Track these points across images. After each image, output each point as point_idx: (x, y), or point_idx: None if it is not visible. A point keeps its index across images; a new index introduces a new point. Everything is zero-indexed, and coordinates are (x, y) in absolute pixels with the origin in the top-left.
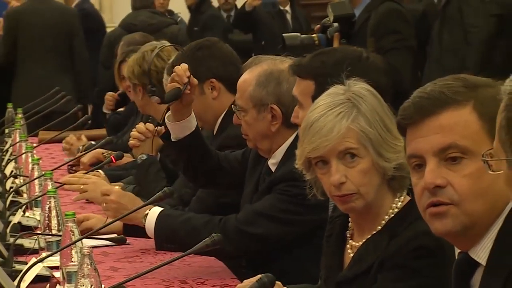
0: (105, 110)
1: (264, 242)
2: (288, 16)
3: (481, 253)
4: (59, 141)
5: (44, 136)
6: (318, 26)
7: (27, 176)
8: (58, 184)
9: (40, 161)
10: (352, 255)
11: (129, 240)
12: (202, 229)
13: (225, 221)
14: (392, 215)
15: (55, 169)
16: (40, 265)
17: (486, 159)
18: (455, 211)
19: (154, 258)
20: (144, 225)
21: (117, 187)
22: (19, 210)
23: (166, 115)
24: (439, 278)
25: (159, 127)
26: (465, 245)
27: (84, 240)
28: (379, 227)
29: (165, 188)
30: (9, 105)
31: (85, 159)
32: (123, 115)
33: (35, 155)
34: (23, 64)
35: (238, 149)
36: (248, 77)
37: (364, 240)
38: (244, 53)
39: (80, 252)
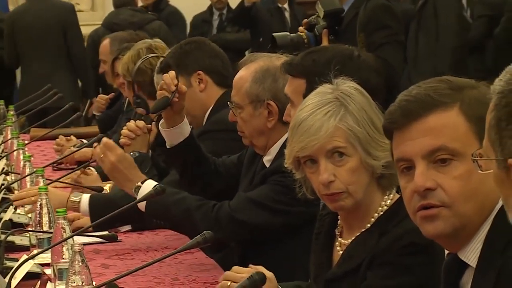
0: (95, 112)
1: (255, 231)
2: (287, 14)
3: (470, 254)
4: (51, 138)
5: (35, 133)
6: (305, 21)
7: (18, 173)
8: (50, 181)
9: (32, 158)
10: (341, 252)
11: (120, 237)
12: (194, 211)
13: (219, 207)
14: (382, 213)
15: (46, 166)
16: (31, 262)
17: (476, 158)
18: (446, 213)
19: (145, 255)
20: (136, 197)
21: (108, 185)
22: (10, 207)
23: (160, 122)
24: (429, 275)
25: (150, 125)
26: (454, 246)
27: (75, 237)
28: (368, 225)
29: (157, 185)
30: (1, 102)
31: (76, 156)
32: (114, 111)
33: (26, 152)
34: (25, 64)
35: (220, 134)
36: (244, 74)
37: (353, 238)
38: (238, 51)
39: (71, 249)
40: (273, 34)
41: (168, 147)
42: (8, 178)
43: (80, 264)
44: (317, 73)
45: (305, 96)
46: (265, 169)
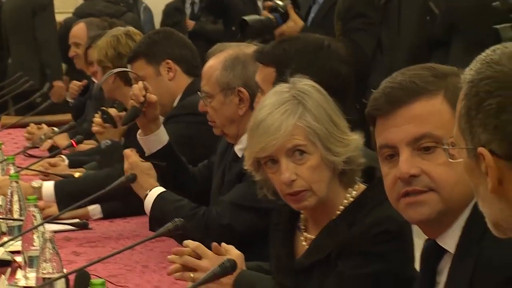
0: (68, 99)
1: (244, 234)
2: (259, 3)
3: (449, 240)
4: (22, 126)
5: (6, 121)
6: (267, 4)
7: None
8: (20, 169)
9: (2, 146)
10: (306, 246)
11: (91, 225)
12: (188, 220)
13: (207, 214)
14: (348, 204)
15: (17, 154)
16: (1, 249)
17: (447, 147)
18: (434, 198)
19: (116, 243)
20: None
21: (77, 173)
22: None
23: (138, 132)
24: (403, 262)
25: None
26: (435, 232)
27: (46, 225)
28: (334, 217)
29: (129, 174)
30: None
31: (47, 144)
32: (87, 98)
33: None
34: (4, 49)
35: (187, 117)
36: (214, 63)
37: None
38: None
39: (42, 237)
40: (243, 17)
41: (146, 154)
42: None
43: (51, 251)
44: (287, 63)
45: (275, 84)
46: (237, 161)
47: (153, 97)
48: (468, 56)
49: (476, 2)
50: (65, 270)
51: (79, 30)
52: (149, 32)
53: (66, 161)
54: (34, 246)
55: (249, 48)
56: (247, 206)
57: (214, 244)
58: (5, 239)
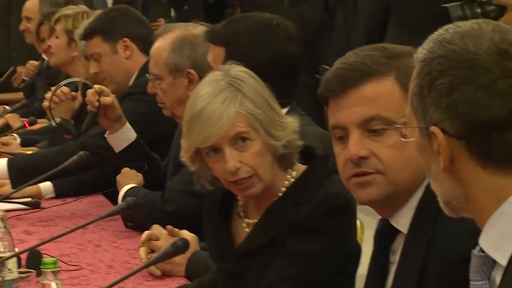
0: (24, 77)
1: (189, 218)
2: None
3: (401, 220)
4: None
5: None
6: None
7: None
8: None
9: None
10: (248, 230)
11: (44, 204)
12: (147, 206)
13: (154, 200)
14: (289, 185)
15: None
16: None
17: (399, 126)
18: (380, 180)
19: (68, 222)
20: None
21: (30, 152)
22: None
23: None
24: (350, 236)
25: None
26: (387, 212)
27: None
28: (276, 199)
29: (81, 152)
30: None
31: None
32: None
33: None
34: None
35: (143, 96)
36: (161, 44)
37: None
38: None
39: None
40: None
41: (116, 152)
42: None
43: (2, 230)
44: (236, 42)
45: (224, 63)
46: None
47: (107, 99)
48: (406, 35)
49: None
50: (16, 249)
51: (32, 5)
52: (106, 9)
53: (18, 140)
54: None
55: (196, 28)
56: (189, 191)
57: (169, 226)
58: None
